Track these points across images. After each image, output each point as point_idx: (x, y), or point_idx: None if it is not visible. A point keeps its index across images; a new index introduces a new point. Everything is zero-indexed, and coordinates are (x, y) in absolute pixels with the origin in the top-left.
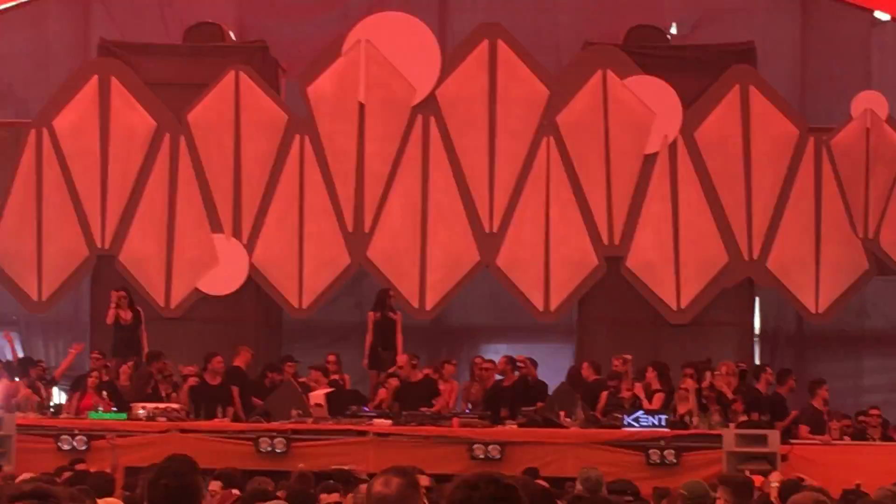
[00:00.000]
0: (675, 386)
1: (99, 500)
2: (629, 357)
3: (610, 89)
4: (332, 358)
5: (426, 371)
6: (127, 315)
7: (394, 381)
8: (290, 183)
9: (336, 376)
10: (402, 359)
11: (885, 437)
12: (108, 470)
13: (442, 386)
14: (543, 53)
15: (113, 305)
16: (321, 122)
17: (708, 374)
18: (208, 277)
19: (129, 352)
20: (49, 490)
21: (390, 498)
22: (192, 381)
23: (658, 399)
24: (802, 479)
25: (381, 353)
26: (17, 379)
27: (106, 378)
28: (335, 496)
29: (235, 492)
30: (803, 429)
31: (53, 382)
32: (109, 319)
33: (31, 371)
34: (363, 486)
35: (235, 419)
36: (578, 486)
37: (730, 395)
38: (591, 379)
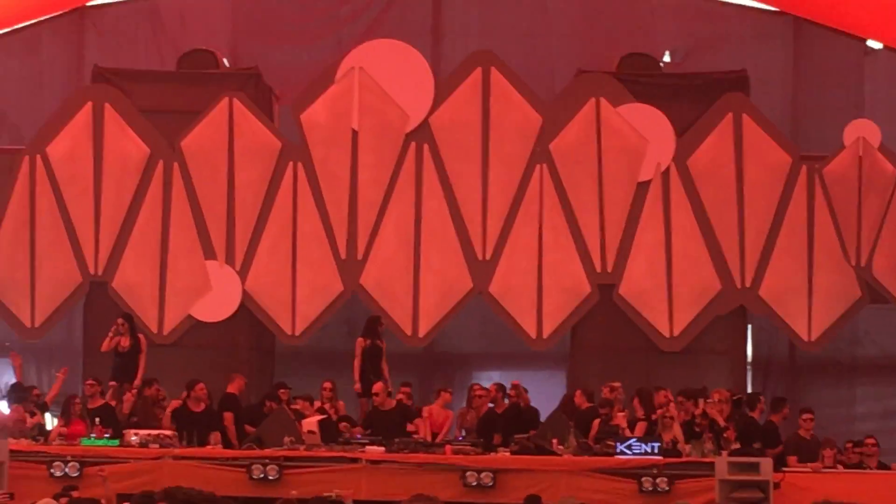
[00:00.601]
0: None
1: None
2: (617, 385)
3: (603, 117)
4: (327, 385)
5: (401, 397)
6: (126, 342)
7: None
8: (284, 209)
9: (328, 404)
10: (377, 386)
11: (881, 466)
12: (102, 501)
13: (437, 411)
14: (537, 81)
15: (111, 333)
16: (314, 149)
17: (700, 401)
18: (201, 304)
19: (126, 378)
20: None
21: None
22: (175, 404)
23: (640, 428)
24: None
25: (372, 381)
26: (11, 405)
27: (100, 404)
28: None
29: None
30: (791, 458)
31: (45, 408)
32: (104, 347)
33: (26, 397)
34: None
35: (226, 445)
36: None
37: (722, 423)
38: (584, 406)
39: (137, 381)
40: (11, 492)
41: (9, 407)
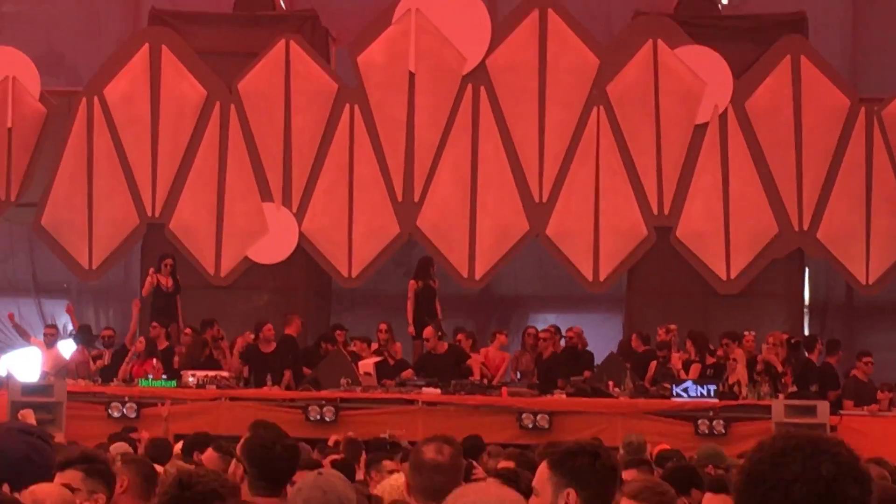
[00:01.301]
0: (719, 356)
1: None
2: (673, 327)
3: (660, 59)
4: (383, 326)
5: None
6: (168, 282)
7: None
8: (340, 152)
9: (385, 346)
10: (427, 331)
11: None
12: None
13: (493, 353)
14: (594, 23)
15: (149, 277)
16: (371, 92)
17: (760, 344)
18: (258, 246)
19: (167, 319)
20: (96, 454)
21: (444, 465)
22: (248, 337)
23: (694, 370)
24: None
25: (428, 322)
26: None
27: (164, 346)
28: (393, 463)
29: None
30: (847, 402)
31: (111, 344)
32: (145, 292)
33: (91, 340)
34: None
35: (289, 387)
36: (621, 452)
37: (779, 366)
38: (640, 349)
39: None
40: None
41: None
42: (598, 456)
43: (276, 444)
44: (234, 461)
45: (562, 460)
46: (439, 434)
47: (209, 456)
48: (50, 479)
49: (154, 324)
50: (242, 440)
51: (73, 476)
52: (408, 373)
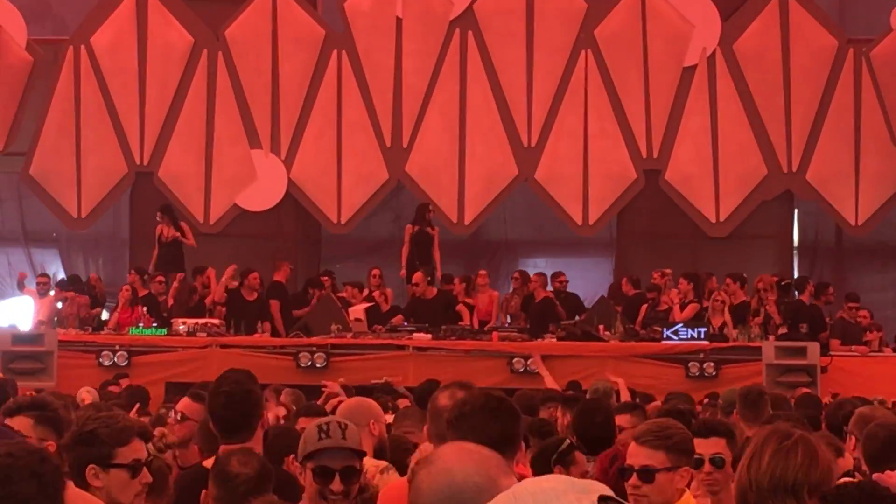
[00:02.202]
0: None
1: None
2: (668, 271)
3: (648, 2)
4: (376, 272)
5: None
6: (168, 232)
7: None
8: (328, 98)
9: (377, 291)
10: (416, 276)
11: None
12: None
13: (480, 296)
14: None
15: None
16: (359, 38)
17: (748, 287)
18: (247, 193)
19: (171, 268)
20: (47, 401)
21: None
22: (232, 284)
23: (691, 309)
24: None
25: (418, 267)
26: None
27: (144, 293)
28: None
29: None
30: (834, 342)
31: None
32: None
33: (83, 288)
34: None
35: (273, 333)
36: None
37: (769, 308)
38: (631, 293)
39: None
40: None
41: (64, 296)
42: None
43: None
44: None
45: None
46: (455, 380)
47: (185, 403)
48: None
49: (131, 272)
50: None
51: (22, 423)
52: (398, 318)
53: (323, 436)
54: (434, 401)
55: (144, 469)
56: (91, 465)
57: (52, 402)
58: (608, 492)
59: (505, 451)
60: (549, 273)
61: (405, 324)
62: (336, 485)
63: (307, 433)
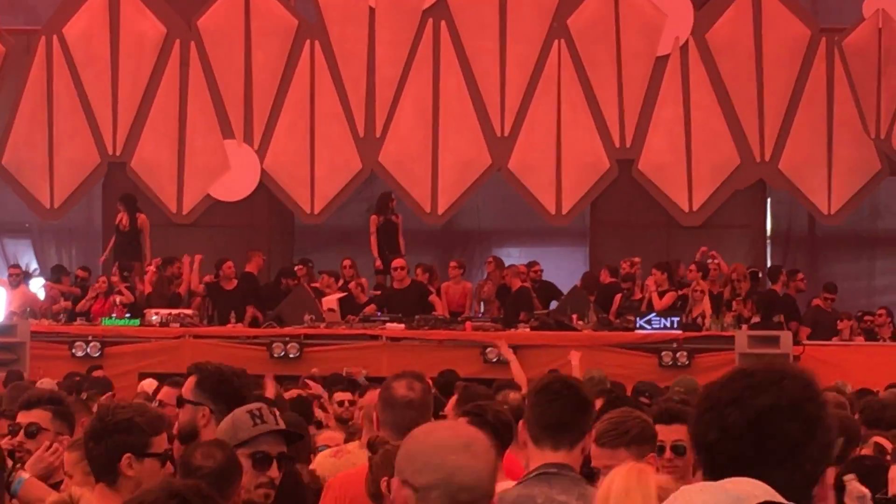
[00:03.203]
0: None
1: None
2: (637, 260)
3: None
4: (347, 262)
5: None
6: (125, 221)
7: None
8: (301, 88)
9: (352, 282)
10: (400, 261)
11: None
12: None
13: (452, 287)
14: None
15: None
16: (331, 27)
17: (722, 276)
18: (220, 183)
19: (125, 257)
20: (63, 397)
21: (416, 402)
22: (208, 279)
23: (669, 297)
24: None
25: (389, 257)
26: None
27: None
28: (347, 395)
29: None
30: (803, 331)
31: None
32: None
33: (63, 278)
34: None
35: (253, 324)
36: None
37: (742, 297)
38: (606, 282)
39: (151, 261)
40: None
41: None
42: None
43: (230, 375)
44: (190, 407)
45: None
46: (409, 370)
47: (165, 392)
48: None
49: (114, 266)
50: (193, 383)
51: (41, 415)
52: (370, 308)
53: (258, 421)
54: (389, 389)
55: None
56: (127, 455)
57: (67, 398)
58: (766, 495)
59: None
60: (522, 262)
61: (378, 314)
62: (273, 471)
63: (238, 419)
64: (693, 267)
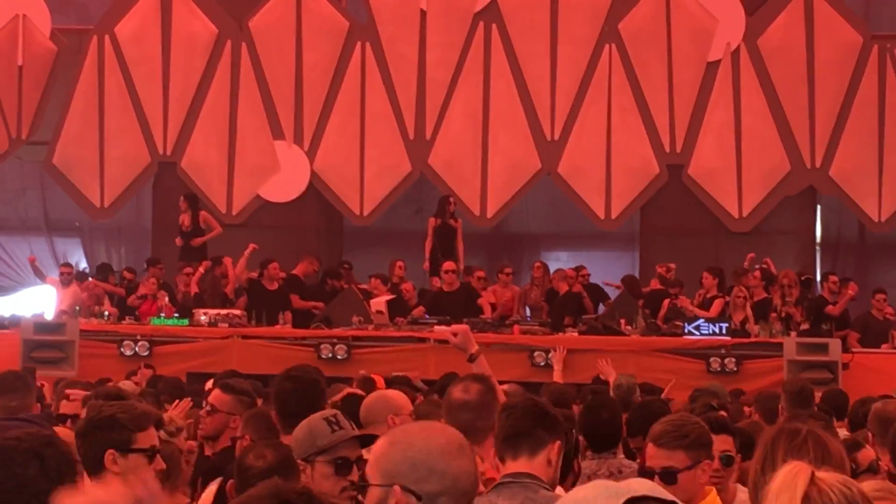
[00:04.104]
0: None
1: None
2: (673, 266)
3: None
4: (401, 264)
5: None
6: (186, 221)
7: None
8: (352, 90)
9: (402, 284)
10: (450, 264)
11: None
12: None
13: (500, 291)
14: None
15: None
16: (383, 29)
17: (774, 284)
18: (270, 184)
19: (191, 257)
20: (125, 392)
21: (472, 403)
22: (251, 275)
23: (718, 304)
24: None
25: (441, 260)
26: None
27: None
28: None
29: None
30: (852, 337)
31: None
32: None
33: (109, 277)
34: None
35: (295, 324)
36: (612, 394)
37: (792, 304)
38: (654, 287)
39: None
40: None
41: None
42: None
43: (300, 387)
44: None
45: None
46: (469, 374)
47: (216, 395)
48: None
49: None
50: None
51: None
52: (419, 310)
53: (335, 427)
54: (449, 394)
55: (158, 456)
56: (110, 451)
57: (129, 394)
58: (650, 491)
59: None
60: (570, 266)
61: (426, 316)
62: (354, 475)
63: (315, 427)
64: (758, 273)
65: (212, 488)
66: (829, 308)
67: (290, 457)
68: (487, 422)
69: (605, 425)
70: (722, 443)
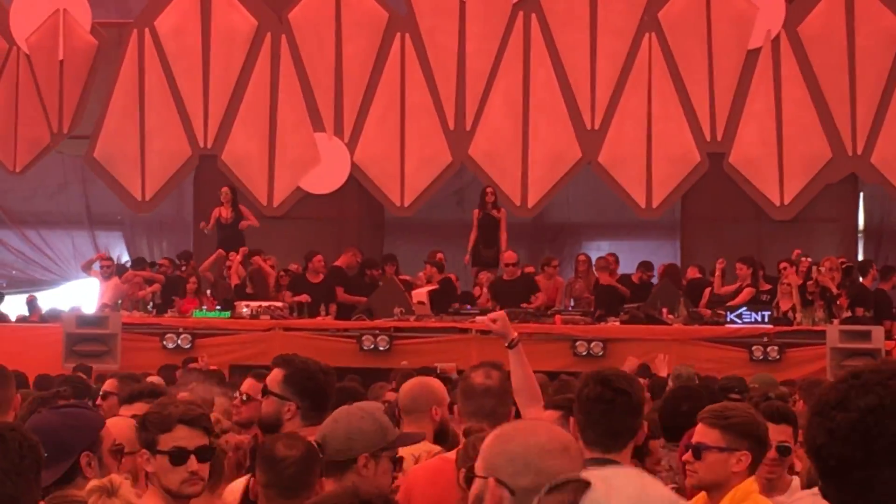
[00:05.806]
0: (778, 280)
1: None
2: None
3: None
4: (441, 256)
5: (527, 268)
6: (227, 213)
7: (484, 276)
8: (392, 81)
9: (444, 274)
10: (510, 255)
11: None
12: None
13: (544, 283)
14: None
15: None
16: (422, 20)
17: (813, 269)
18: (310, 176)
19: (232, 249)
20: (162, 388)
21: (494, 389)
22: (294, 267)
23: (747, 293)
24: None
25: (483, 251)
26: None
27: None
28: None
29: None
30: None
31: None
32: (210, 225)
33: (146, 269)
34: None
35: (339, 316)
36: (670, 384)
37: (834, 291)
38: (696, 277)
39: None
40: None
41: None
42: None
43: (317, 371)
44: (275, 400)
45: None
46: (487, 360)
47: (249, 384)
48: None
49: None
50: (280, 377)
51: (143, 409)
52: (483, 300)
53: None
54: (467, 379)
55: (192, 458)
56: (143, 450)
57: (165, 390)
58: (583, 475)
59: None
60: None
61: (468, 307)
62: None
63: (383, 421)
64: (807, 262)
65: (235, 486)
66: (882, 284)
67: (314, 448)
68: (507, 407)
69: (682, 416)
70: (780, 433)
